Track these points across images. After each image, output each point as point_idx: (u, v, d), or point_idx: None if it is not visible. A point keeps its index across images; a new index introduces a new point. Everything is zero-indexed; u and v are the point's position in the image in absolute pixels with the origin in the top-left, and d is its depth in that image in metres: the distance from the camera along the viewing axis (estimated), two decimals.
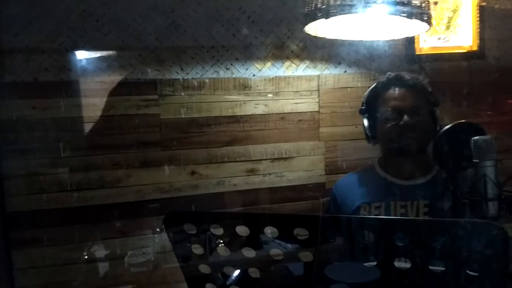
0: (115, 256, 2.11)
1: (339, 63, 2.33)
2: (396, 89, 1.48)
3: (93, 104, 2.07)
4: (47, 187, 2.02)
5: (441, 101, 1.52)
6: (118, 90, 2.09)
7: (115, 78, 2.09)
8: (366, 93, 1.56)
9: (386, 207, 1.46)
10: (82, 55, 2.07)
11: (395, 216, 1.43)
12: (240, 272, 0.93)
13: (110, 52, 2.09)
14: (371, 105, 1.53)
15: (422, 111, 1.46)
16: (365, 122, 1.54)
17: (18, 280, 2.00)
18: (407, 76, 1.51)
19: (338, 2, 1.33)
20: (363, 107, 1.55)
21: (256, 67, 2.24)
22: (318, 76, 2.31)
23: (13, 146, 1.98)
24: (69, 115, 2.04)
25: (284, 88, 2.27)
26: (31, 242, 2.01)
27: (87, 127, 2.07)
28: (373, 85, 1.55)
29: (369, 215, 1.46)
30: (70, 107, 2.04)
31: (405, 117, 1.43)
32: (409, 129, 1.43)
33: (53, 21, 1.98)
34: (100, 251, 2.10)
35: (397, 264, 0.78)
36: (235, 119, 2.23)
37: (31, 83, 1.99)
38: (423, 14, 1.37)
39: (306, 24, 1.47)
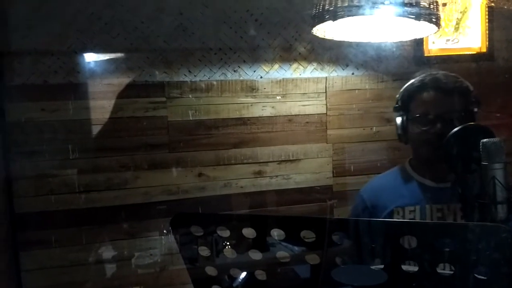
0: (122, 258, 2.12)
1: (347, 65, 2.33)
2: (431, 92, 1.37)
3: (101, 106, 2.08)
4: (55, 189, 2.03)
5: None
6: (126, 92, 2.10)
7: (123, 80, 2.10)
8: (402, 90, 1.45)
9: (421, 211, 1.40)
10: (90, 58, 2.08)
11: (432, 220, 1.39)
12: (246, 274, 0.93)
13: (118, 55, 2.10)
14: (405, 104, 1.43)
15: (458, 116, 1.35)
16: (398, 120, 1.44)
17: (26, 281, 2.01)
18: (445, 78, 1.39)
19: (346, 4, 1.32)
20: (398, 105, 1.45)
21: (264, 69, 2.24)
22: (326, 78, 2.31)
23: (22, 148, 2.00)
24: (77, 117, 2.05)
25: (291, 90, 2.27)
26: (38, 243, 2.02)
27: (95, 129, 2.09)
28: (409, 82, 1.44)
29: (404, 219, 1.42)
30: (79, 109, 2.05)
31: (438, 125, 1.34)
32: (441, 138, 1.29)
33: (62, 24, 2.00)
34: (107, 253, 2.11)
35: (404, 267, 0.78)
36: (243, 121, 2.23)
37: (40, 85, 2.01)
38: (431, 16, 1.36)
39: (314, 26, 1.46)
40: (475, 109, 1.38)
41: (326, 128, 2.32)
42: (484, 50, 2.42)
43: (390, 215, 1.43)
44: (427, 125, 1.37)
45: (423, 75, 1.43)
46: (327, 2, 1.35)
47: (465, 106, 1.38)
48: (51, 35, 2.00)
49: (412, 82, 1.44)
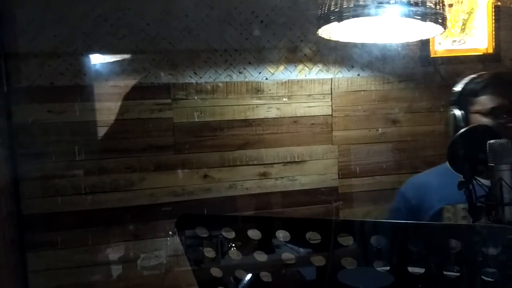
0: (128, 259, 2.12)
1: (352, 66, 2.32)
2: (505, 86, 1.40)
3: (107, 108, 2.09)
4: (62, 190, 2.04)
5: None
6: (132, 94, 2.11)
7: (129, 82, 2.11)
8: (462, 84, 1.44)
9: None
10: (96, 60, 2.09)
11: None
12: (252, 276, 0.92)
13: (124, 57, 2.11)
14: (465, 98, 1.42)
15: None
16: (456, 113, 1.41)
17: (32, 282, 2.02)
18: (508, 75, 1.46)
19: (351, 5, 1.32)
20: (455, 98, 1.43)
21: (269, 71, 2.24)
22: (331, 79, 2.30)
23: (29, 150, 2.01)
24: (83, 119, 2.06)
25: (297, 91, 2.27)
26: (45, 244, 2.03)
27: (101, 131, 2.09)
28: (471, 77, 1.44)
29: (455, 217, 1.39)
30: (85, 111, 2.06)
31: (505, 117, 1.35)
32: (507, 129, 1.32)
33: (68, 26, 2.01)
34: (113, 254, 2.11)
35: (411, 269, 0.77)
36: (248, 123, 2.23)
37: (47, 87, 2.02)
38: (437, 16, 1.36)
39: (319, 27, 1.46)
40: None
41: (332, 129, 2.31)
42: (490, 51, 2.40)
43: (439, 213, 1.40)
44: (502, 118, 1.35)
45: (484, 72, 1.44)
46: (332, 3, 1.35)
47: None
48: (58, 37, 2.01)
49: (476, 77, 1.43)
